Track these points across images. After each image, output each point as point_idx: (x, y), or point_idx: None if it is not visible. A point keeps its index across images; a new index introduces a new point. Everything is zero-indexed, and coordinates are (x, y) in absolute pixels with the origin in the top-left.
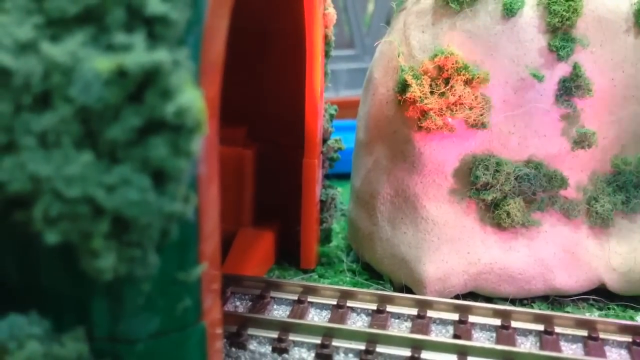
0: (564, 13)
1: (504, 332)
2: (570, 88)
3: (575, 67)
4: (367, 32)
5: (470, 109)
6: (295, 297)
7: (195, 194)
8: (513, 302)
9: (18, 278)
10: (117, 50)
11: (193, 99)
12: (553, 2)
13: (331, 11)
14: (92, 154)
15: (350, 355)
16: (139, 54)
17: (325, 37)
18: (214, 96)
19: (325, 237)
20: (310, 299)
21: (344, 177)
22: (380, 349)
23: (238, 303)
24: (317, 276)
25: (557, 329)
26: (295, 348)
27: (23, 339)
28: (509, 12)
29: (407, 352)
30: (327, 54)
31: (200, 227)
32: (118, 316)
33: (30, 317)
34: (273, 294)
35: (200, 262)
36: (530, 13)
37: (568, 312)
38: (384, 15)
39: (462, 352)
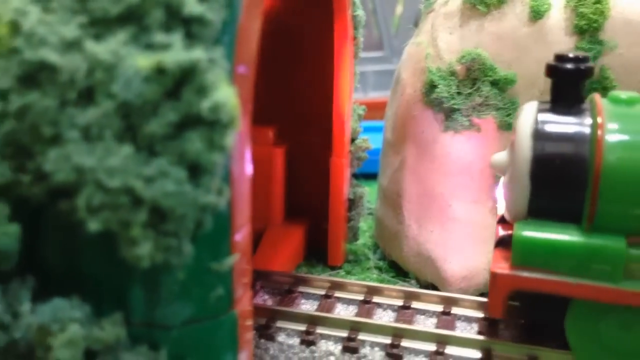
0: (592, 15)
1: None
2: (598, 90)
3: (603, 69)
4: (395, 34)
5: (497, 110)
6: (323, 292)
7: (228, 187)
8: None
9: (61, 264)
10: (157, 48)
11: (227, 95)
12: (580, 4)
13: (360, 13)
14: (132, 147)
15: (377, 348)
16: (177, 53)
17: (354, 38)
18: (246, 94)
19: (353, 235)
20: (337, 294)
21: (371, 177)
22: (405, 343)
23: (267, 297)
24: (344, 273)
25: None
26: (323, 341)
27: (65, 322)
28: (537, 14)
29: (432, 347)
30: (355, 55)
31: (233, 219)
32: (154, 303)
33: (72, 301)
34: (301, 288)
35: (232, 252)
36: (557, 15)
37: None
38: (412, 18)
39: (486, 348)
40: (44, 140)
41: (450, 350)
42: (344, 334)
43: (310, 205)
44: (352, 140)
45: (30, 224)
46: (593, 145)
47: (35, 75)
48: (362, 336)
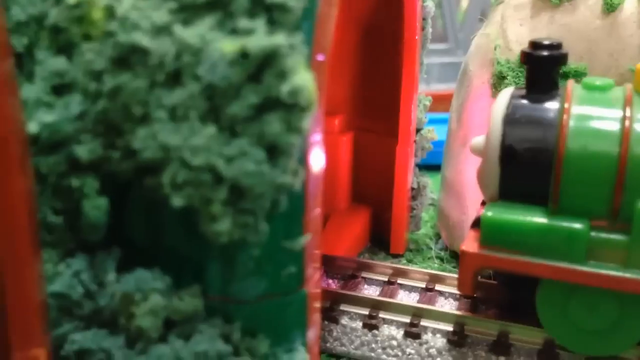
0: None
1: None
2: None
3: None
4: (460, 27)
5: None
6: (386, 279)
7: (304, 169)
8: None
9: (145, 238)
10: (241, 34)
11: (306, 80)
12: None
13: (430, 4)
14: (214, 128)
15: (438, 335)
16: (259, 38)
17: (422, 28)
18: (322, 78)
19: (415, 224)
20: (400, 280)
21: (434, 168)
22: (468, 331)
23: (330, 281)
24: (405, 262)
25: None
26: (385, 325)
27: (148, 292)
28: (610, 7)
29: (494, 335)
30: (422, 46)
31: (307, 200)
32: (229, 278)
33: (154, 272)
34: (364, 274)
35: (304, 232)
36: (631, 9)
37: None
38: (479, 10)
39: (548, 335)
40: (133, 119)
41: (512, 337)
42: (406, 319)
43: (374, 193)
44: (418, 130)
45: (117, 198)
46: (559, 130)
47: (128, 58)
48: (424, 322)
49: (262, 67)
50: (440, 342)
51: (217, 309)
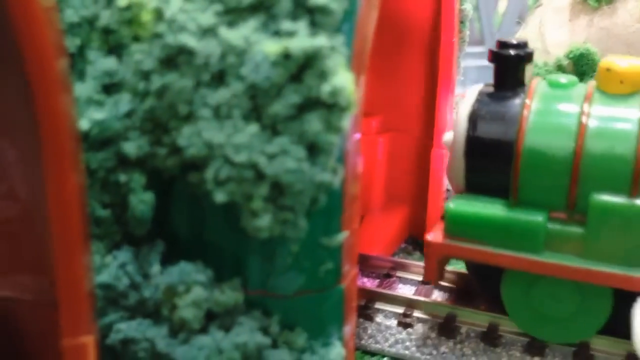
0: None
1: None
2: None
3: None
4: (497, 30)
5: None
6: (420, 278)
7: (342, 167)
8: None
9: (187, 232)
10: (283, 35)
11: (346, 81)
12: None
13: (467, 7)
14: (257, 126)
15: (472, 335)
16: (302, 39)
17: (460, 31)
18: (362, 80)
19: None
20: None
21: None
22: (502, 331)
23: (366, 280)
24: None
25: None
26: (420, 324)
27: (190, 284)
28: None
29: (529, 336)
30: (460, 48)
31: (345, 197)
32: (269, 272)
33: (196, 266)
34: (399, 273)
35: (342, 229)
36: None
37: None
38: (516, 13)
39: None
40: (179, 117)
41: None
42: (440, 319)
43: (409, 194)
44: None
45: (162, 194)
46: (519, 125)
47: (175, 58)
48: (458, 322)
49: (304, 67)
50: (474, 341)
51: (256, 303)
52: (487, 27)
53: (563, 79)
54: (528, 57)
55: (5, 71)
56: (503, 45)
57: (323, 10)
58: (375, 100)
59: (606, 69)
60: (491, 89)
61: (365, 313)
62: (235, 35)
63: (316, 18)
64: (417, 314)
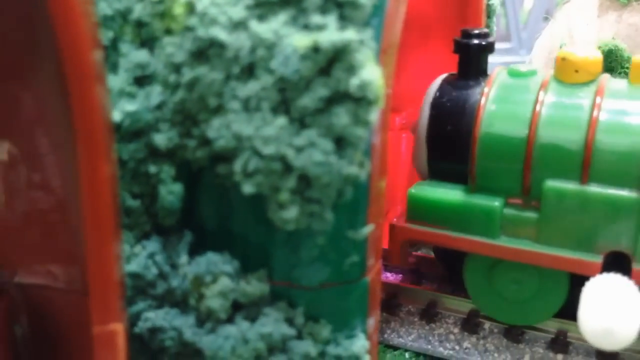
0: None
1: None
2: None
3: None
4: (523, 26)
5: None
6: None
7: (369, 161)
8: None
9: (215, 223)
10: (313, 29)
11: (374, 74)
12: None
13: (494, 2)
14: (285, 119)
15: (495, 330)
16: (331, 33)
17: (487, 27)
18: (390, 74)
19: None
20: None
21: None
22: (525, 328)
23: (389, 274)
24: None
25: None
26: (443, 319)
27: (217, 274)
28: None
29: (552, 333)
30: None
31: (371, 191)
32: (294, 264)
33: (223, 256)
34: (423, 268)
35: (368, 223)
36: None
37: None
38: (543, 9)
39: None
40: (209, 109)
41: (570, 336)
42: (463, 314)
43: None
44: None
45: (191, 185)
46: (476, 113)
47: (205, 51)
48: (481, 318)
49: (333, 61)
50: (497, 337)
51: (282, 294)
52: (514, 23)
53: (523, 68)
54: (490, 47)
55: (40, 62)
56: (465, 34)
57: (352, 5)
58: (400, 96)
59: (562, 58)
60: (454, 78)
61: (389, 307)
62: (265, 28)
63: (345, 12)
64: (440, 309)
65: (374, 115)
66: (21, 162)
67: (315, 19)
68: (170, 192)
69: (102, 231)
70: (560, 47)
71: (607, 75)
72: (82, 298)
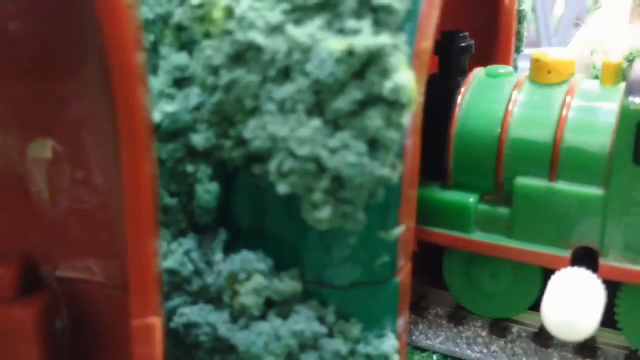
0: None
1: None
2: None
3: None
4: (554, 32)
5: None
6: None
7: (401, 163)
8: None
9: (249, 222)
10: (348, 34)
11: (408, 78)
12: None
13: (526, 8)
14: (320, 121)
15: (524, 335)
16: (366, 38)
17: (518, 33)
18: (422, 78)
19: None
20: None
21: None
22: None
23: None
24: None
25: None
26: (471, 322)
27: (251, 272)
28: None
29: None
30: (517, 50)
31: (402, 193)
32: (326, 264)
33: (258, 255)
34: None
35: (399, 224)
36: None
37: None
38: (574, 15)
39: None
40: (245, 111)
41: (599, 342)
42: (491, 318)
43: None
44: None
45: (226, 185)
46: (452, 112)
47: (243, 55)
48: (510, 322)
49: (367, 65)
50: (525, 342)
51: (313, 293)
52: (544, 29)
53: (501, 69)
54: (468, 49)
55: (87, 64)
56: (445, 36)
57: (387, 10)
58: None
59: (535, 59)
60: (434, 78)
61: (417, 310)
62: (301, 32)
63: (380, 17)
64: (468, 312)
65: (407, 119)
66: (65, 159)
67: (351, 23)
68: (207, 191)
69: (142, 228)
70: (592, 53)
71: (580, 76)
72: (120, 292)
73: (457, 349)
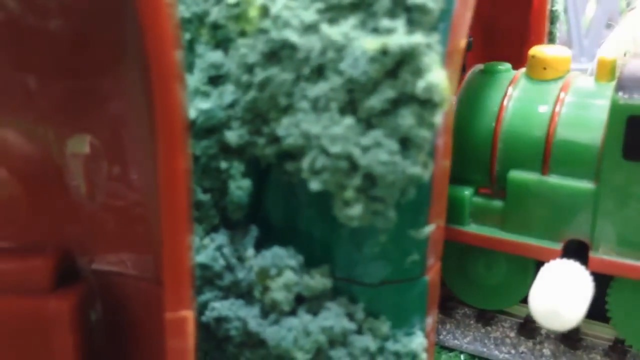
0: None
1: None
2: None
3: None
4: (585, 33)
5: None
6: None
7: (433, 162)
8: None
9: (281, 218)
10: (381, 32)
11: (440, 77)
12: None
13: (558, 8)
14: (353, 119)
15: (552, 336)
16: (399, 37)
17: (550, 33)
18: (454, 77)
19: None
20: None
21: None
22: (583, 335)
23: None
24: None
25: None
26: (499, 322)
27: (282, 268)
28: None
29: (610, 340)
30: None
31: (433, 191)
32: (356, 261)
33: (288, 251)
34: None
35: (429, 223)
36: None
37: None
38: (606, 16)
39: None
40: (279, 108)
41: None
42: (520, 318)
43: None
44: None
45: (258, 181)
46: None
47: (278, 53)
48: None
49: (400, 64)
50: (554, 343)
51: (343, 290)
52: (575, 30)
53: (500, 65)
54: (467, 45)
55: (126, 61)
56: None
57: (421, 9)
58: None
59: (532, 56)
60: None
61: (445, 309)
62: (335, 31)
63: (414, 16)
64: (496, 312)
65: (439, 118)
66: (103, 154)
67: (385, 22)
68: (239, 187)
69: (177, 222)
70: (625, 54)
71: (576, 73)
72: (154, 286)
73: (485, 349)
